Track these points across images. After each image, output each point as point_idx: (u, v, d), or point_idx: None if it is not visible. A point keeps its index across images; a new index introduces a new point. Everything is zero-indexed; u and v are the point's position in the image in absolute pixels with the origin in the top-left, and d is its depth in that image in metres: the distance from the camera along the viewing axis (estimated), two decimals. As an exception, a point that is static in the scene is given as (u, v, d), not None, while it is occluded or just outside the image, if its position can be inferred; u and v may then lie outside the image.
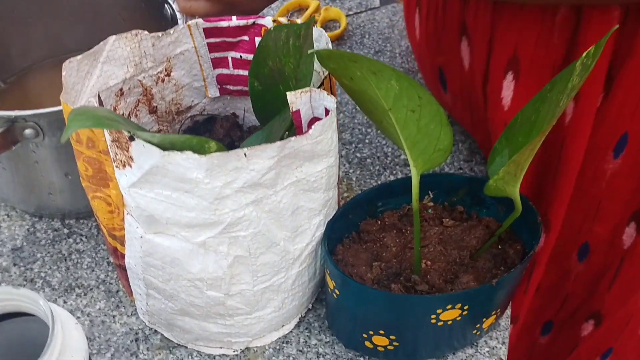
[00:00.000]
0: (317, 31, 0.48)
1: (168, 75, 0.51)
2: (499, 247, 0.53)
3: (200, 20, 0.50)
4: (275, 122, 0.47)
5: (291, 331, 0.55)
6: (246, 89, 0.52)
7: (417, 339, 0.50)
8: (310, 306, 0.56)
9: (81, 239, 0.63)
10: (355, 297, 0.48)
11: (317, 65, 0.47)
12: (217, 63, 0.53)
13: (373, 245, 0.54)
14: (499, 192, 0.45)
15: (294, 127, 0.45)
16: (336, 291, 0.49)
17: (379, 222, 0.55)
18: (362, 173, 0.69)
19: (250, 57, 0.51)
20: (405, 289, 0.49)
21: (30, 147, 0.55)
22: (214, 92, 0.55)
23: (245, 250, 0.45)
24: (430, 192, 0.55)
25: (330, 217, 0.50)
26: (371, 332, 0.50)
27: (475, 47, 0.62)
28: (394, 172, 0.69)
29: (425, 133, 0.42)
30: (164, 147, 0.38)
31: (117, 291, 0.58)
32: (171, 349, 0.54)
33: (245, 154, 0.38)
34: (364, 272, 0.51)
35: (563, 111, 0.57)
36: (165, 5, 0.65)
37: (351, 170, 0.69)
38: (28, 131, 0.52)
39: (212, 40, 0.51)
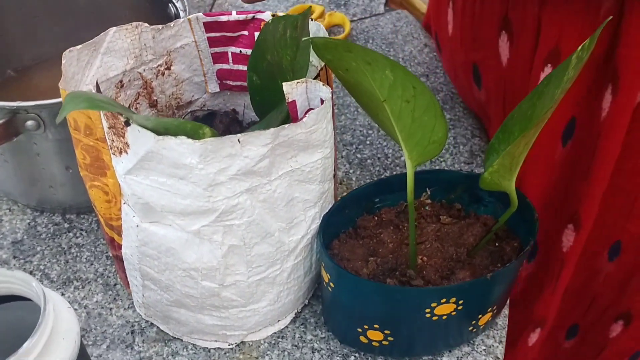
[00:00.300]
0: (315, 25, 0.48)
1: (168, 68, 0.52)
2: (496, 244, 0.53)
3: (200, 15, 0.50)
4: (273, 114, 0.47)
5: (287, 326, 0.55)
6: (246, 84, 0.52)
7: (412, 334, 0.50)
8: (306, 302, 0.56)
9: (81, 233, 0.63)
10: (350, 289, 0.48)
11: (313, 58, 0.48)
12: (217, 58, 0.53)
13: (369, 241, 0.54)
14: (494, 185, 0.45)
15: (290, 119, 0.45)
16: (331, 284, 0.49)
17: (376, 218, 0.55)
18: (362, 173, 0.69)
19: (249, 52, 0.52)
20: (401, 283, 0.49)
21: (31, 140, 0.55)
22: (214, 87, 0.55)
23: (240, 239, 0.45)
24: (427, 189, 0.55)
25: (327, 210, 0.50)
26: (366, 327, 0.49)
27: (518, 42, 0.61)
28: (395, 173, 0.69)
29: (420, 124, 0.43)
30: (158, 132, 0.38)
31: (115, 284, 0.59)
32: (166, 341, 0.54)
33: (239, 140, 0.38)
34: (359, 267, 0.51)
35: (600, 105, 0.57)
36: (170, 4, 0.66)
37: (351, 171, 0.69)
38: (29, 123, 0.53)
39: (212, 34, 0.52)
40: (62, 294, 0.58)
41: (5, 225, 0.64)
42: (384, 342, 0.50)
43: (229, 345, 0.54)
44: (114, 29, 0.47)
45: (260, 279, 0.49)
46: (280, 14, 0.51)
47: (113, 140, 0.42)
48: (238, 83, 0.55)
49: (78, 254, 0.61)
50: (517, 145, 0.42)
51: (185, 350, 0.54)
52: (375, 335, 0.50)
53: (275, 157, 0.42)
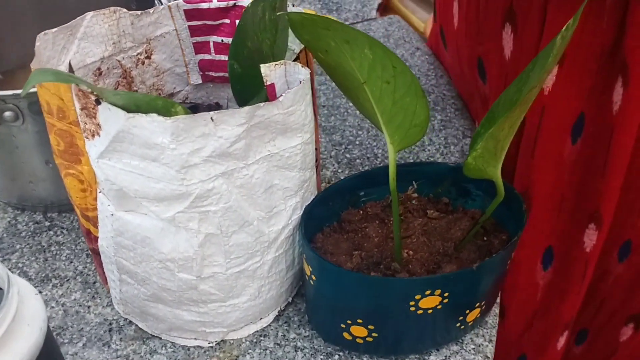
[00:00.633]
0: (297, 10, 0.47)
1: (148, 57, 0.51)
2: (485, 238, 0.52)
3: (181, 1, 0.50)
4: (253, 102, 0.46)
5: (269, 324, 0.53)
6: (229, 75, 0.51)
7: (397, 330, 0.48)
8: (290, 299, 0.55)
9: (62, 232, 0.62)
10: (332, 282, 0.46)
11: (293, 45, 0.47)
12: (199, 48, 0.53)
13: (354, 235, 0.52)
14: (479, 172, 0.44)
15: (270, 105, 0.44)
16: (313, 277, 0.47)
17: (361, 212, 0.54)
18: (351, 173, 0.68)
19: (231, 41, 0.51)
20: (385, 276, 0.48)
21: (10, 132, 0.54)
22: (196, 78, 0.55)
23: (217, 227, 0.43)
24: (414, 183, 0.54)
25: (309, 201, 0.49)
26: (349, 322, 0.48)
27: (522, 34, 0.59)
28: (384, 172, 0.68)
29: (401, 107, 0.41)
30: (129, 109, 0.37)
31: (94, 282, 0.57)
32: (145, 339, 0.52)
33: (212, 119, 0.37)
34: (343, 261, 0.50)
35: (610, 99, 0.55)
36: (156, 2, 0.65)
37: (340, 170, 0.68)
38: (8, 114, 0.52)
39: (194, 23, 0.51)
40: (40, 292, 0.56)
41: (-16, 223, 0.62)
42: (368, 339, 0.48)
43: (209, 343, 0.52)
44: (91, 13, 0.46)
45: (240, 271, 0.47)
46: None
47: (86, 123, 0.41)
48: (221, 74, 0.54)
49: (58, 252, 0.60)
50: (500, 127, 0.40)
51: (164, 348, 0.52)
52: (359, 331, 0.48)
53: (252, 140, 0.41)
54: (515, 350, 0.72)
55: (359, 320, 0.47)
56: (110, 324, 0.54)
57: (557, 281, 0.66)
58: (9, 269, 0.58)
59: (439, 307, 0.46)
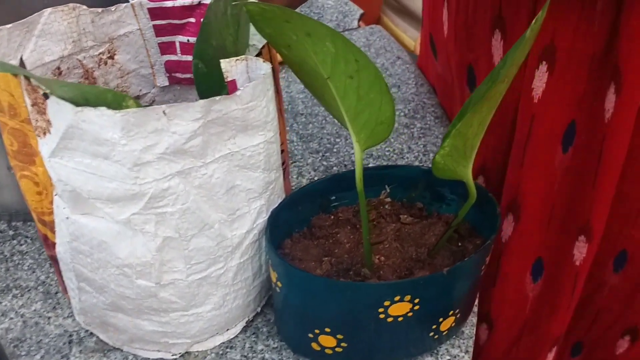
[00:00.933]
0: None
1: (111, 57, 0.49)
2: (459, 244, 0.50)
3: (144, 0, 0.48)
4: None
5: (237, 336, 0.51)
6: (196, 78, 0.50)
7: (367, 340, 0.46)
8: (258, 310, 0.52)
9: (26, 241, 0.60)
10: (298, 288, 0.44)
11: (256, 42, 0.45)
12: (165, 48, 0.51)
13: (325, 242, 0.50)
14: (449, 172, 0.42)
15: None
16: (279, 284, 0.45)
17: (332, 217, 0.52)
18: (327, 181, 0.66)
19: (198, 41, 0.49)
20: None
21: (-31, 136, 0.52)
22: (162, 80, 0.53)
23: (174, 230, 0.41)
24: (387, 187, 0.52)
25: (276, 205, 0.47)
26: (317, 331, 0.45)
27: (512, 40, 0.57)
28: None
29: (366, 103, 0.40)
30: (78, 103, 0.36)
31: (56, 292, 0.55)
32: (105, 352, 0.50)
33: (164, 112, 0.36)
34: (312, 267, 0.48)
35: (602, 107, 0.53)
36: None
37: (316, 178, 0.66)
38: (-35, 116, 0.50)
39: (158, 22, 0.49)
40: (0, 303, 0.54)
41: (-55, 233, 0.60)
42: (337, 349, 0.46)
43: (172, 355, 0.50)
44: (49, 10, 0.45)
45: (202, 278, 0.45)
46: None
47: (37, 120, 0.39)
48: (188, 75, 0.52)
49: (20, 262, 0.58)
50: (468, 123, 0.39)
51: (125, 360, 0.50)
52: (327, 341, 0.46)
53: (210, 137, 0.39)
54: None
55: (327, 330, 0.45)
56: (71, 335, 0.51)
57: (546, 294, 0.64)
58: (-32, 279, 0.56)
59: (410, 314, 0.44)
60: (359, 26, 0.93)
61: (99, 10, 0.47)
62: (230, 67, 0.40)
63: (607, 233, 0.59)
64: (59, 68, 0.47)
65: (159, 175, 0.38)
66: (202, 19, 0.49)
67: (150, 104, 0.55)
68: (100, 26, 0.47)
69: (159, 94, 0.54)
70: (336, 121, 0.74)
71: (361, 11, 0.96)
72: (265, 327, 0.52)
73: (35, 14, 0.44)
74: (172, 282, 0.44)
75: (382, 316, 0.43)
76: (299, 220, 0.51)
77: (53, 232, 0.46)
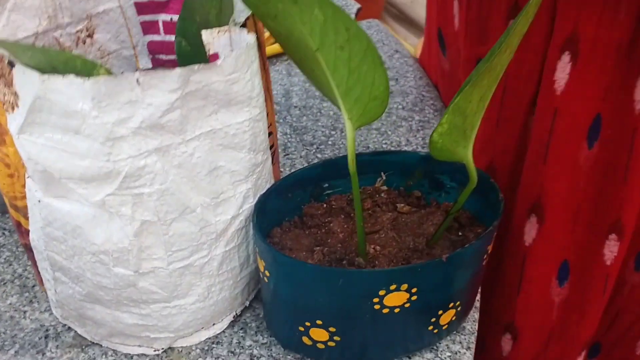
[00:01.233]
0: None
1: (90, 36, 0.47)
2: (460, 233, 0.47)
3: (125, -26, 0.46)
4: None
5: (223, 331, 0.48)
6: (181, 59, 0.47)
7: (362, 334, 0.43)
8: (247, 304, 0.50)
9: (3, 233, 0.57)
10: (287, 276, 0.41)
11: (242, 16, 0.43)
12: (148, 28, 0.49)
13: (317, 231, 0.48)
14: (447, 153, 0.40)
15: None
16: (267, 273, 0.42)
17: (325, 206, 0.49)
18: (321, 173, 0.63)
19: (183, 19, 0.47)
20: (347, 272, 0.43)
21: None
22: (145, 62, 0.50)
23: (153, 213, 0.38)
24: (382, 174, 0.49)
25: (264, 190, 0.44)
26: (308, 324, 0.43)
27: (529, 31, 0.53)
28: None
29: (358, 77, 0.37)
30: (45, 70, 0.33)
31: (33, 286, 0.52)
32: (83, 347, 0.47)
33: (138, 81, 0.33)
34: (303, 257, 0.45)
35: (631, 98, 0.50)
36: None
37: (310, 170, 0.63)
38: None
39: (140, -1, 0.47)
40: (-27, 297, 0.51)
41: None
42: (330, 344, 0.43)
43: (155, 350, 0.47)
44: (22, -18, 0.42)
45: (184, 266, 0.42)
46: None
47: (5, 94, 0.37)
48: (172, 57, 0.50)
49: (-3, 255, 0.55)
50: (467, 97, 0.36)
51: (104, 356, 0.47)
52: (319, 334, 0.43)
53: (189, 112, 0.36)
54: None
55: (319, 322, 0.42)
56: (47, 330, 0.49)
57: (574, 298, 0.60)
58: (-58, 273, 0.53)
59: (407, 305, 0.41)
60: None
61: (77, -17, 0.44)
62: (212, 39, 0.37)
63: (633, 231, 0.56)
64: (33, 45, 0.44)
65: (134, 152, 0.36)
66: (186, -5, 0.47)
67: (134, 88, 0.52)
68: (77, 2, 0.45)
69: (143, 77, 0.52)
70: (331, 113, 0.72)
71: (358, 6, 0.94)
72: (254, 322, 0.49)
73: (8, -14, 0.42)
74: (152, 271, 0.41)
75: (377, 307, 0.40)
76: (290, 208, 0.48)
77: (26, 218, 0.43)
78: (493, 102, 0.59)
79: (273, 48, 0.80)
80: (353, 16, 0.92)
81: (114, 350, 0.47)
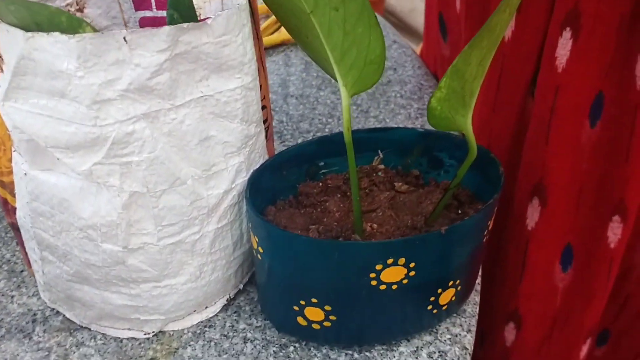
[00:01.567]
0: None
1: (80, 11, 0.46)
2: (459, 211, 0.46)
3: (116, -53, 0.45)
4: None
5: (217, 314, 0.47)
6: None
7: (358, 312, 0.41)
8: (241, 287, 0.48)
9: (-7, 219, 0.56)
10: (280, 251, 0.40)
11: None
12: (139, 3, 0.47)
13: (313, 210, 0.46)
14: (445, 121, 0.38)
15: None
16: (260, 249, 0.41)
17: (321, 185, 0.48)
18: (318, 160, 0.62)
19: (175, -6, 0.46)
20: (343, 248, 0.41)
21: None
22: (138, 40, 0.49)
23: (142, 184, 0.37)
24: (380, 152, 0.48)
25: (258, 165, 0.43)
26: (302, 302, 0.41)
27: (528, 9, 0.52)
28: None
29: (353, 40, 0.36)
30: (29, 28, 0.32)
31: (22, 271, 0.51)
32: (72, 331, 0.46)
33: (125, 39, 0.32)
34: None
35: (633, 73, 0.48)
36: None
37: (306, 157, 0.62)
38: None
39: (132, -28, 0.46)
40: (-41, 282, 0.50)
41: None
42: (325, 324, 0.42)
43: (145, 334, 0.45)
44: (9, -49, 0.41)
45: (175, 243, 0.41)
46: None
47: (-12, 59, 0.35)
48: (164, 34, 0.49)
49: (-15, 240, 0.53)
50: (467, 59, 0.35)
51: (92, 340, 0.45)
52: (314, 314, 0.41)
53: (179, 75, 0.35)
54: None
55: (314, 300, 0.41)
56: (35, 314, 0.47)
57: (578, 283, 0.59)
58: None
59: (405, 281, 0.40)
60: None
61: (66, -45, 0.43)
62: (203, 3, 0.36)
63: (638, 213, 0.54)
64: None
65: (121, 117, 0.34)
66: (178, -32, 0.46)
67: (126, 68, 0.51)
68: (67, -27, 0.44)
69: (134, 56, 0.51)
70: (328, 102, 0.71)
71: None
72: (248, 306, 0.48)
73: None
74: (142, 247, 0.40)
75: (374, 283, 0.39)
76: (285, 187, 0.47)
77: (13, 195, 0.42)
78: (490, 84, 0.58)
79: (270, 39, 0.79)
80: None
81: (103, 334, 0.45)
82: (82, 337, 0.45)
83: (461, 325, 0.46)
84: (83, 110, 0.34)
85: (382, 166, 0.48)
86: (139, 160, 0.36)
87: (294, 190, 0.47)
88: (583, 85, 0.50)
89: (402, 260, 0.38)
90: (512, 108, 0.57)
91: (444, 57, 0.71)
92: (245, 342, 0.45)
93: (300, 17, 0.37)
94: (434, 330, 0.45)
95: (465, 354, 0.45)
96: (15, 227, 0.44)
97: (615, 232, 0.54)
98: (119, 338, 0.45)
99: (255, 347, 0.44)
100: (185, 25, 0.33)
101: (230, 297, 0.47)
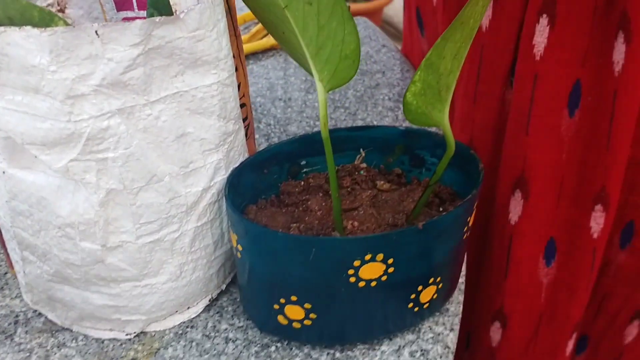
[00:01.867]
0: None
1: (61, 11, 0.46)
2: (440, 209, 0.46)
3: (96, -52, 0.45)
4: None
5: (199, 315, 0.47)
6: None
7: (338, 310, 0.41)
8: (223, 287, 0.48)
9: (-23, 222, 0.55)
10: (259, 248, 0.40)
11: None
12: (121, 4, 0.48)
13: (294, 209, 0.46)
14: (422, 117, 0.38)
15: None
16: (239, 247, 0.41)
17: (303, 184, 0.48)
18: (305, 162, 0.62)
19: (156, -5, 0.46)
20: (322, 245, 0.41)
21: None
22: (120, 41, 0.49)
23: (119, 181, 0.37)
24: (361, 151, 0.48)
25: (237, 163, 0.43)
26: (282, 300, 0.41)
27: (504, 2, 0.52)
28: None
29: (328, 34, 0.36)
30: (1, 22, 0.32)
31: (5, 273, 0.50)
32: (53, 332, 0.45)
33: (97, 33, 0.32)
34: (279, 234, 0.43)
35: (610, 60, 0.48)
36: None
37: (293, 159, 0.62)
38: None
39: (113, -27, 0.46)
40: (-58, 284, 0.50)
41: None
42: (306, 322, 0.42)
43: (127, 335, 0.45)
44: (-11, -48, 0.41)
45: (154, 241, 0.41)
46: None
47: (-36, 57, 0.36)
48: (146, 35, 0.49)
49: (-30, 243, 0.53)
50: (440, 52, 0.35)
51: (74, 341, 0.45)
52: (294, 312, 0.41)
53: (153, 70, 0.35)
54: None
55: (293, 298, 0.40)
56: (17, 316, 0.47)
57: (562, 276, 0.58)
58: None
59: (384, 278, 0.39)
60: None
61: (46, -45, 0.44)
62: None
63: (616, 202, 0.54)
64: (3, 19, 0.44)
65: (96, 112, 0.34)
66: (159, -31, 0.46)
67: (109, 69, 0.51)
68: (48, -26, 0.44)
69: (118, 57, 0.51)
70: (316, 105, 0.71)
71: (348, 4, 0.93)
72: (230, 306, 0.47)
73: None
74: (120, 245, 0.40)
75: (352, 279, 0.39)
76: (266, 186, 0.47)
77: (-7, 194, 0.42)
78: (470, 76, 0.58)
79: (260, 44, 0.79)
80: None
81: (84, 335, 0.45)
82: (64, 338, 0.45)
83: (444, 324, 0.46)
84: (57, 106, 0.34)
85: (364, 165, 0.48)
86: (115, 156, 0.36)
87: (276, 190, 0.47)
88: (561, 74, 0.50)
89: (380, 256, 0.38)
90: (493, 99, 0.56)
91: (424, 52, 0.71)
92: (226, 342, 0.44)
93: (276, 13, 0.37)
94: (417, 329, 0.45)
95: (448, 352, 0.44)
96: (-5, 228, 0.44)
97: (598, 221, 0.54)
98: (101, 339, 0.45)
99: (236, 347, 0.44)
100: (157, 19, 0.33)
101: (212, 297, 0.47)
